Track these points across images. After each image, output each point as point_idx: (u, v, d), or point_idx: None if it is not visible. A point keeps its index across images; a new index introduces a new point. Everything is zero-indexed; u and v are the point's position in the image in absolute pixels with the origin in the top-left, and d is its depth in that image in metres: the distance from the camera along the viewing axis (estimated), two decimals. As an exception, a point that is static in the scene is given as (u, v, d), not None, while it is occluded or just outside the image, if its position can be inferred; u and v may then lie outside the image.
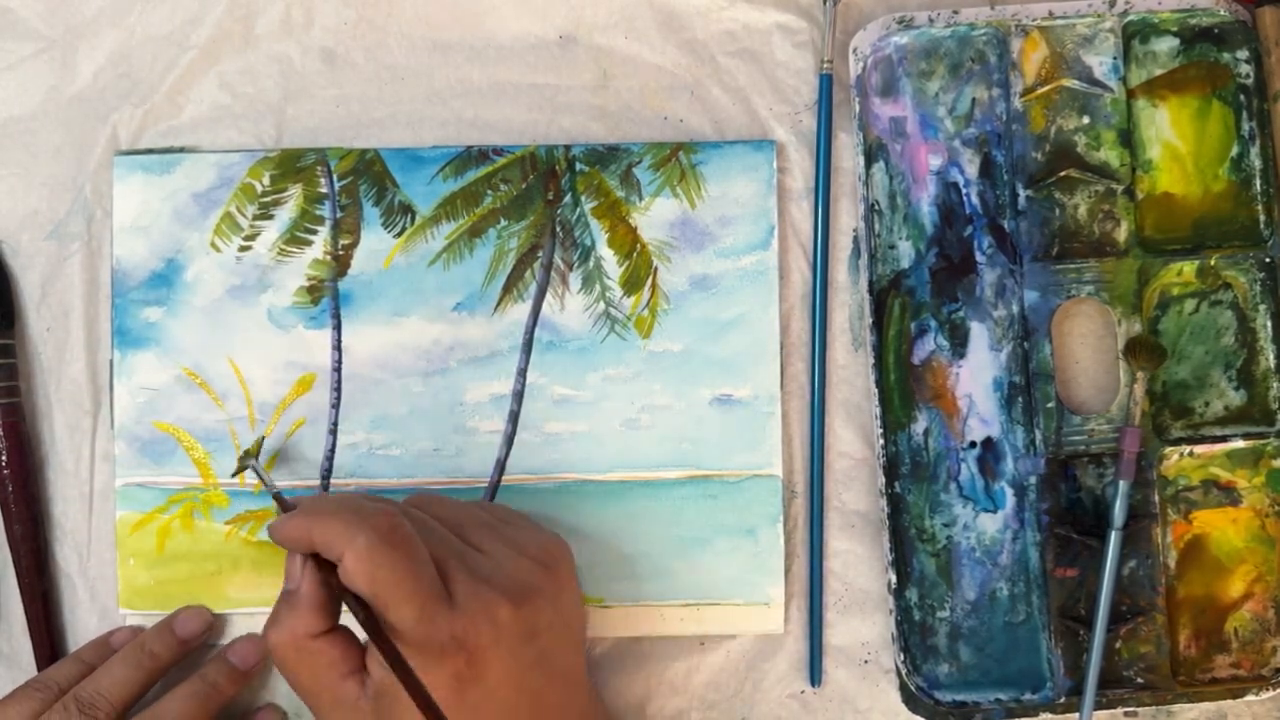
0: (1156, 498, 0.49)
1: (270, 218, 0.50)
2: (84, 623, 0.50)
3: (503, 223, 0.50)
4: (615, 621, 0.50)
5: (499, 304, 0.50)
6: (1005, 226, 0.49)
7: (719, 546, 0.50)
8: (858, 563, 0.50)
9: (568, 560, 0.45)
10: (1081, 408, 0.50)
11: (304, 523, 0.41)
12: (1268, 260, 0.49)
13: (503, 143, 0.50)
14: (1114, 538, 0.47)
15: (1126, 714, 0.50)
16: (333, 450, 0.50)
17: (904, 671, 0.49)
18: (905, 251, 0.50)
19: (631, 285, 0.50)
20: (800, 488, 0.50)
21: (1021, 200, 0.49)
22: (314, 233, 0.50)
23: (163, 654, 0.47)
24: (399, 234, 0.50)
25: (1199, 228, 0.50)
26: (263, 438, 0.49)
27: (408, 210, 0.50)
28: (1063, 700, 0.49)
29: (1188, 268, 0.49)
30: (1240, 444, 0.49)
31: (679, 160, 0.50)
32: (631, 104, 0.51)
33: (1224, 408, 0.49)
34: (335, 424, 0.50)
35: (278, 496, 0.45)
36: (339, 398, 0.50)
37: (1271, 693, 0.49)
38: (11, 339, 0.50)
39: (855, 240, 0.51)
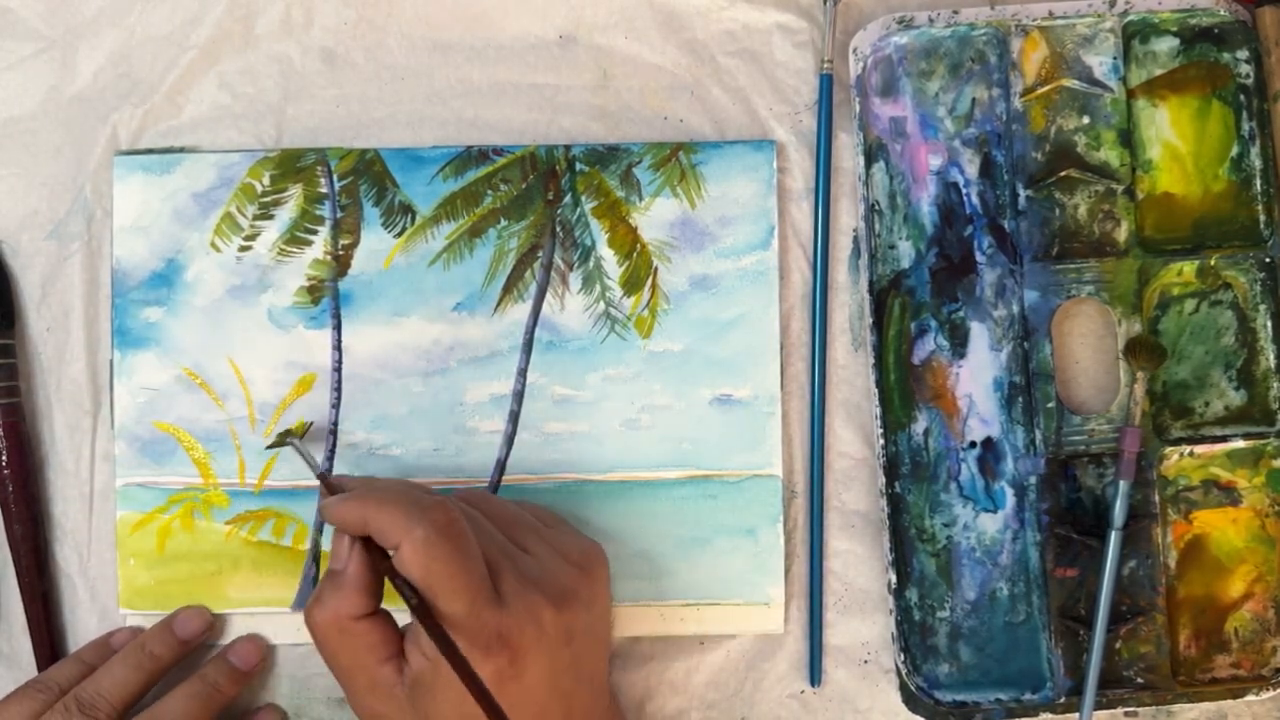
0: (1156, 498, 0.49)
1: (270, 218, 0.50)
2: (84, 623, 0.50)
3: (503, 223, 0.50)
4: (616, 621, 0.50)
5: (499, 304, 0.50)
6: (1005, 226, 0.49)
7: (719, 546, 0.50)
8: (858, 563, 0.50)
9: (604, 566, 0.46)
10: (1082, 408, 0.50)
11: (361, 508, 0.41)
12: (1268, 260, 0.49)
13: (503, 143, 0.50)
14: (1114, 538, 0.47)
15: (1127, 714, 0.50)
16: (333, 450, 0.50)
17: (904, 671, 0.49)
18: (905, 251, 0.50)
19: (631, 285, 0.50)
20: (800, 488, 0.50)
21: (1022, 200, 0.49)
22: (314, 233, 0.50)
23: (163, 654, 0.47)
24: (399, 234, 0.50)
25: (1199, 228, 0.50)
26: (310, 423, 0.49)
27: (408, 210, 0.50)
28: (1063, 700, 0.49)
29: (1188, 268, 0.49)
30: (1240, 444, 0.49)
31: (679, 160, 0.50)
32: (631, 104, 0.51)
33: (1224, 408, 0.49)
34: (335, 424, 0.50)
35: (323, 476, 0.45)
36: (339, 398, 0.50)
37: (1271, 693, 0.49)
38: (11, 339, 0.50)
39: (855, 240, 0.51)
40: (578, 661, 0.43)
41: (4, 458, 0.49)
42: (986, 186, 0.50)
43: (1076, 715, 0.48)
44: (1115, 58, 0.50)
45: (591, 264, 0.50)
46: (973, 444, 0.49)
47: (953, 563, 0.49)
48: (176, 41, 0.51)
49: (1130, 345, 0.49)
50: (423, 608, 0.40)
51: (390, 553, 0.41)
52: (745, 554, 0.50)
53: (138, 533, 0.49)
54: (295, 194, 0.50)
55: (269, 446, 0.48)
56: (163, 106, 0.50)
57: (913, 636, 0.49)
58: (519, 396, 0.50)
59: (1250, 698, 0.49)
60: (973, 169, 0.50)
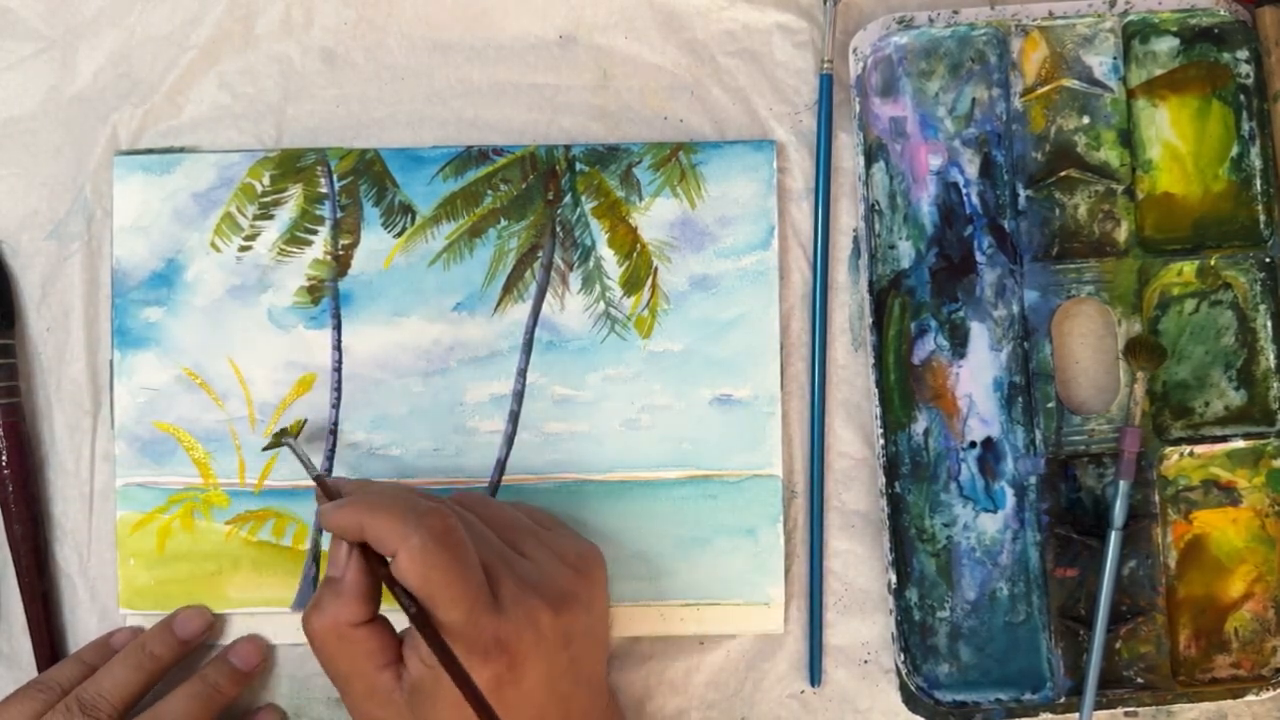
0: (1156, 498, 0.49)
1: (270, 218, 0.50)
2: (84, 623, 0.50)
3: (503, 223, 0.50)
4: (615, 621, 0.50)
5: (499, 304, 0.50)
6: (1005, 226, 0.49)
7: (719, 546, 0.50)
8: (858, 563, 0.50)
9: (601, 568, 0.46)
10: (1082, 408, 0.50)
11: (357, 514, 0.41)
12: (1268, 260, 0.49)
13: (503, 143, 0.50)
14: (1114, 538, 0.47)
15: (1127, 714, 0.50)
16: (333, 450, 0.50)
17: (904, 671, 0.49)
18: (905, 251, 0.50)
19: (631, 285, 0.50)
20: (800, 488, 0.50)
21: (1021, 200, 0.49)
22: (314, 233, 0.50)
23: (163, 655, 0.47)
24: (399, 234, 0.50)
25: (1199, 228, 0.50)
26: (305, 420, 0.49)
27: (408, 210, 0.50)
28: (1063, 700, 0.49)
29: (1188, 268, 0.49)
30: (1240, 444, 0.49)
31: (679, 160, 0.50)
32: (631, 104, 0.51)
33: (1224, 408, 0.49)
34: (335, 424, 0.50)
35: (320, 480, 0.44)
36: (339, 398, 0.50)
37: (1271, 693, 0.49)
38: (11, 339, 0.50)
39: (855, 240, 0.51)
40: (576, 664, 0.43)
41: (4, 458, 0.49)
42: (986, 186, 0.50)
43: (1076, 715, 0.48)
44: (1115, 58, 0.50)
45: (591, 264, 0.50)
46: (973, 444, 0.49)
47: (953, 563, 0.49)
48: (176, 41, 0.51)
49: (1130, 345, 0.49)
50: (421, 616, 0.39)
51: (388, 559, 0.41)
52: (745, 554, 0.50)
53: (138, 533, 0.49)
54: (295, 194, 0.50)
55: (265, 448, 0.48)
56: (163, 106, 0.50)
57: (913, 636, 0.49)
58: (519, 396, 0.50)
59: (1250, 698, 0.49)
60: (973, 169, 0.50)
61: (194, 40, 0.50)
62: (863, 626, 0.50)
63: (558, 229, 0.50)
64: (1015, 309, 0.49)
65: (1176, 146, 0.50)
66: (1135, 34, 0.50)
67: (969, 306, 0.49)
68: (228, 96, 0.51)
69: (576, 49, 0.51)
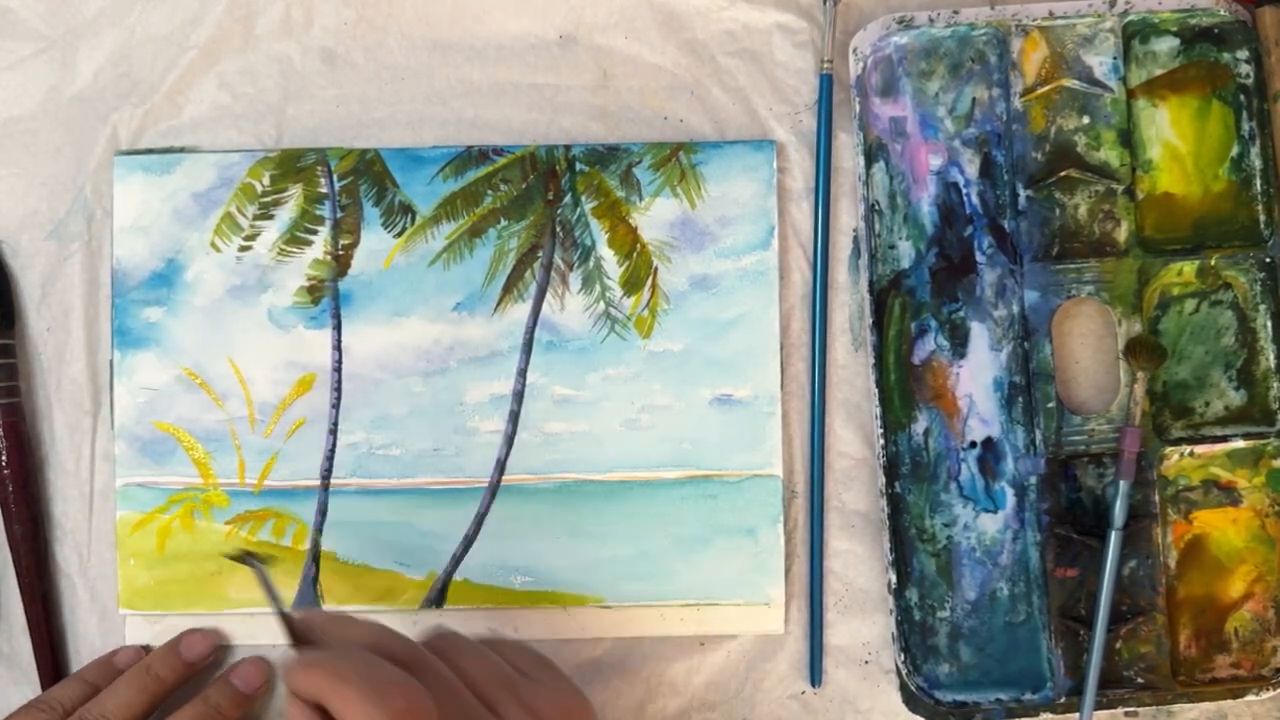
0: (1157, 498, 0.49)
1: (270, 218, 0.50)
2: (84, 623, 0.50)
3: (503, 223, 0.50)
4: (616, 622, 0.50)
5: (499, 304, 0.50)
6: (1005, 226, 0.49)
7: (719, 547, 0.50)
8: (858, 563, 0.50)
9: None
10: (1082, 408, 0.50)
11: (320, 682, 0.38)
12: (1268, 260, 0.49)
13: (503, 143, 0.50)
14: (1114, 538, 0.47)
15: (1127, 714, 0.50)
16: (333, 450, 0.50)
17: (904, 672, 0.49)
18: (905, 251, 0.50)
19: (632, 285, 0.50)
20: (800, 488, 0.50)
21: (1022, 200, 0.49)
22: (314, 233, 0.50)
23: (168, 677, 0.47)
24: (399, 234, 0.50)
25: (1199, 228, 0.50)
26: (273, 557, 0.48)
27: (408, 210, 0.50)
28: (1063, 700, 0.49)
29: (1188, 268, 0.49)
30: (1240, 444, 0.49)
31: (679, 160, 0.50)
32: (631, 104, 0.51)
33: (1224, 408, 0.49)
34: (335, 424, 0.50)
35: (284, 616, 0.42)
36: (339, 398, 0.50)
37: (1272, 693, 0.49)
38: (11, 339, 0.50)
39: (855, 240, 0.51)
40: None
41: (4, 458, 0.49)
42: (986, 186, 0.50)
43: (1077, 715, 0.48)
44: (1115, 58, 0.50)
45: (591, 264, 0.50)
46: (973, 444, 0.49)
47: (953, 563, 0.49)
48: (176, 41, 0.51)
49: (1130, 345, 0.49)
50: None
51: None
52: (745, 554, 0.49)
53: (138, 533, 0.49)
54: (295, 194, 0.50)
55: (228, 556, 0.46)
56: (163, 106, 0.50)
57: (913, 636, 0.49)
58: (519, 396, 0.50)
59: (1250, 698, 0.49)
60: (973, 169, 0.50)
61: (194, 40, 0.50)
62: (863, 627, 0.50)
63: (558, 229, 0.50)
64: (1015, 309, 0.49)
65: (1176, 146, 0.50)
66: (1135, 34, 0.50)
67: (969, 306, 0.49)
68: (228, 96, 0.51)
69: (576, 49, 0.51)
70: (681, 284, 0.50)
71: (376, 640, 0.40)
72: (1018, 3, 0.50)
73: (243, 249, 0.50)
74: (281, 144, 0.51)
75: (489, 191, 0.50)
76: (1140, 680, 0.49)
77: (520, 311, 0.50)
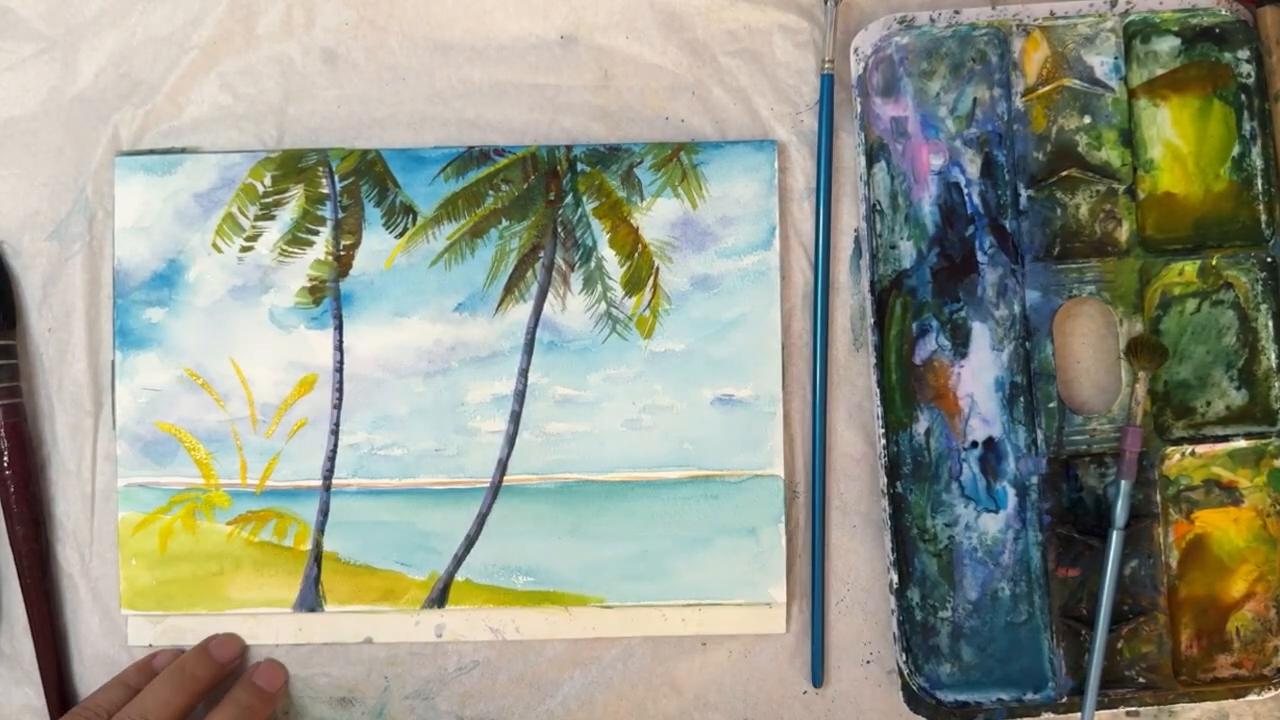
0: (1158, 497, 0.49)
1: (272, 218, 0.50)
2: (86, 623, 0.50)
3: (504, 223, 0.50)
4: (617, 622, 0.50)
5: (500, 304, 0.50)
6: (1007, 226, 0.49)
7: (721, 546, 0.50)
8: (859, 563, 0.50)
9: None
10: (1083, 407, 0.50)
11: None
12: (1269, 260, 0.49)
13: (504, 143, 0.51)
14: (1115, 537, 0.47)
15: (1128, 714, 0.50)
16: (334, 451, 0.50)
17: (906, 671, 0.49)
18: (907, 251, 0.50)
19: (633, 285, 0.50)
20: (802, 488, 0.50)
21: (1023, 200, 0.49)
22: (315, 233, 0.50)
23: (203, 676, 0.48)
24: (400, 234, 0.50)
25: (1200, 227, 0.50)
26: None
27: (409, 211, 0.50)
28: (1065, 700, 0.49)
29: (1189, 267, 0.49)
30: (1242, 444, 0.49)
31: (680, 160, 0.50)
32: (632, 104, 0.51)
33: (1225, 407, 0.49)
34: (337, 424, 0.50)
35: None
36: (341, 398, 0.50)
37: (1273, 692, 0.49)
38: (13, 339, 0.50)
39: (857, 240, 0.51)
40: None
41: (6, 458, 0.49)
42: (988, 186, 0.50)
43: (1078, 715, 0.48)
44: (1116, 57, 0.50)
45: (593, 264, 0.50)
46: (974, 444, 0.49)
47: (954, 563, 0.49)
48: (177, 42, 0.51)
49: (1132, 345, 0.49)
50: None
51: None
52: (747, 554, 0.50)
53: (139, 533, 0.49)
54: (296, 194, 0.50)
55: None
56: (164, 107, 0.50)
57: (915, 636, 0.49)
58: (520, 397, 0.50)
59: (1252, 697, 0.49)
60: (974, 169, 0.50)
61: (195, 41, 0.50)
62: (865, 626, 0.50)
63: (559, 229, 0.50)
64: (1017, 309, 0.49)
65: (1178, 146, 0.50)
66: (1136, 34, 0.50)
67: (970, 306, 0.49)
68: (229, 97, 0.51)
69: (577, 49, 0.51)
70: (683, 284, 0.50)
71: None
72: (1019, 3, 0.50)
73: (244, 249, 0.50)
74: (283, 144, 0.51)
75: (490, 192, 0.50)
76: (1142, 680, 0.49)
77: (522, 312, 0.50)
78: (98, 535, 0.50)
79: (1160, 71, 0.50)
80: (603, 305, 0.50)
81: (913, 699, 0.49)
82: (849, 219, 0.51)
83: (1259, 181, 0.49)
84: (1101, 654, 0.48)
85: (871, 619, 0.50)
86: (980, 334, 0.49)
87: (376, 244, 0.50)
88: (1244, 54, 0.50)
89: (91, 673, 0.50)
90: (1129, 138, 0.49)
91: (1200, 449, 0.49)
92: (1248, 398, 0.49)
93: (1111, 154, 0.50)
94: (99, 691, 0.47)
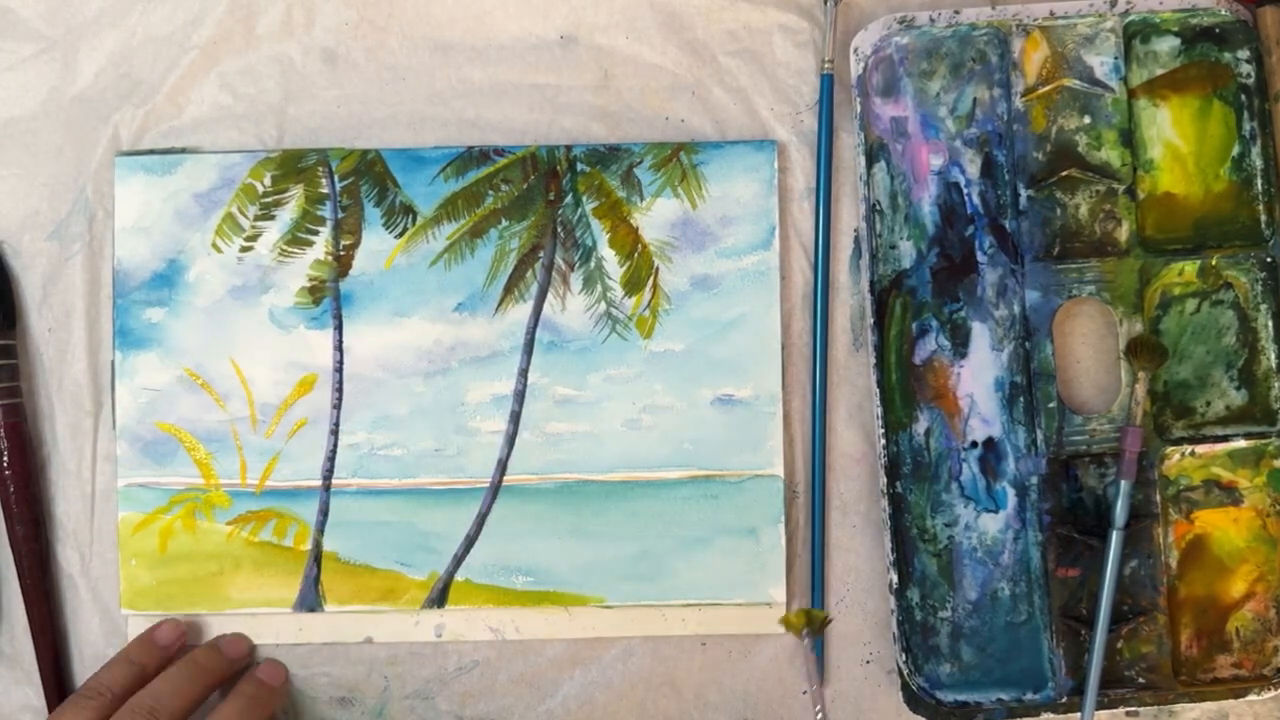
0: (1158, 497, 0.49)
1: (271, 218, 0.50)
2: (86, 623, 0.50)
3: (504, 223, 0.50)
4: (617, 622, 0.50)
5: (500, 304, 0.50)
6: (1006, 226, 0.49)
7: (720, 546, 0.50)
8: (859, 563, 0.50)
9: None
10: (1083, 407, 0.50)
11: None
12: (1269, 260, 0.49)
13: (504, 143, 0.51)
14: (1115, 537, 0.47)
15: (1128, 714, 0.50)
16: (334, 451, 0.50)
17: (906, 671, 0.49)
18: (906, 251, 0.50)
19: (633, 285, 0.50)
20: (801, 488, 0.50)
21: (1023, 200, 0.49)
22: (315, 233, 0.50)
23: (215, 669, 0.48)
24: (400, 234, 0.50)
25: (1200, 227, 0.50)
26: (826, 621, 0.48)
27: (409, 211, 0.50)
28: (1064, 700, 0.49)
29: (1189, 267, 0.49)
30: (1242, 444, 0.49)
31: (680, 160, 0.50)
32: (632, 104, 0.51)
33: (1225, 407, 0.49)
34: (337, 424, 0.50)
35: None
36: (340, 398, 0.50)
37: (1273, 692, 0.49)
38: (13, 339, 0.50)
39: (856, 240, 0.51)
40: None
41: (6, 458, 0.49)
42: (988, 186, 0.50)
43: (1078, 715, 0.48)
44: (1116, 57, 0.50)
45: (593, 264, 0.50)
46: (974, 444, 0.49)
47: (954, 563, 0.49)
48: (177, 42, 0.51)
49: (1131, 345, 0.49)
50: None
51: None
52: (747, 554, 0.50)
53: (139, 533, 0.49)
54: (296, 194, 0.50)
55: (806, 630, 0.46)
56: (164, 107, 0.50)
57: (914, 636, 0.49)
58: (520, 397, 0.50)
59: (1252, 697, 0.49)
60: (974, 169, 0.50)
61: (195, 41, 0.50)
62: (864, 626, 0.50)
63: (559, 229, 0.50)
64: (1016, 309, 0.49)
65: (1178, 146, 0.50)
66: (1136, 34, 0.50)
67: (970, 306, 0.49)
68: (229, 97, 0.51)
69: (577, 49, 0.51)
70: (683, 284, 0.50)
71: None
72: (1019, 2, 0.50)
73: (244, 249, 0.50)
74: (283, 144, 0.51)
75: (490, 192, 0.50)
76: (1141, 680, 0.49)
77: (521, 312, 0.50)
78: (98, 535, 0.50)
79: (1160, 71, 0.50)
80: (602, 305, 0.50)
81: (912, 699, 0.49)
82: (849, 219, 0.51)
83: (1259, 181, 0.49)
84: (1101, 654, 0.48)
85: (871, 619, 0.50)
86: (980, 334, 0.49)
87: (376, 244, 0.50)
88: (1244, 54, 0.50)
89: (91, 673, 0.50)
90: (1129, 138, 0.49)
91: (1200, 449, 0.49)
92: (1247, 398, 0.49)
93: (1111, 154, 0.50)
94: (103, 670, 0.47)
